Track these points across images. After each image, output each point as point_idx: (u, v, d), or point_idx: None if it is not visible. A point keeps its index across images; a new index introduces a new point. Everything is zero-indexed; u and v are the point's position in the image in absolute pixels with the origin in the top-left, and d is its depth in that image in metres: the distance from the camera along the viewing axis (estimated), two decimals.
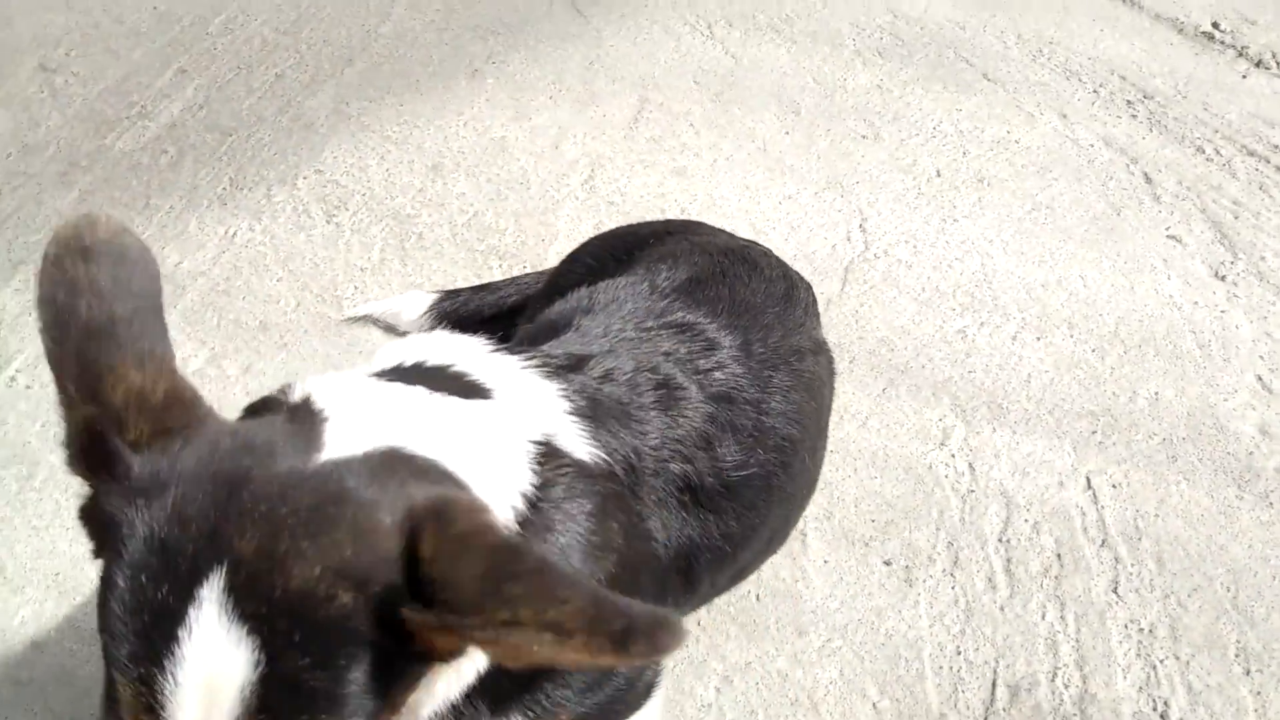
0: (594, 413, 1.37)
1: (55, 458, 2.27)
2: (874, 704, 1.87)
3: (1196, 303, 2.55)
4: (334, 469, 0.99)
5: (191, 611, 0.89)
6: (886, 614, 1.99)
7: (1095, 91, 3.26)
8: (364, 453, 1.02)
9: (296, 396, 1.15)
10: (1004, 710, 1.85)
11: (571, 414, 1.34)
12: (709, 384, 1.53)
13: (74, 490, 2.17)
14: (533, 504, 1.19)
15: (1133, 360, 2.42)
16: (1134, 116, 3.15)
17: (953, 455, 2.24)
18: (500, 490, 1.16)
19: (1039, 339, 2.47)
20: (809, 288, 1.94)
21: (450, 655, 0.97)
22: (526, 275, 2.47)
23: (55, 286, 1.01)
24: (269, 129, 3.13)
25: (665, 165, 3.02)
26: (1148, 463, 2.21)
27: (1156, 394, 2.34)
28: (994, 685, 1.88)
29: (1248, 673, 1.89)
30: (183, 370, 1.08)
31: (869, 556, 2.08)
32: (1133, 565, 2.04)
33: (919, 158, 3.02)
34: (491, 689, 1.23)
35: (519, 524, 1.17)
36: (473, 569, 0.87)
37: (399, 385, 1.23)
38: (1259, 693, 1.86)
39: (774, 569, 2.04)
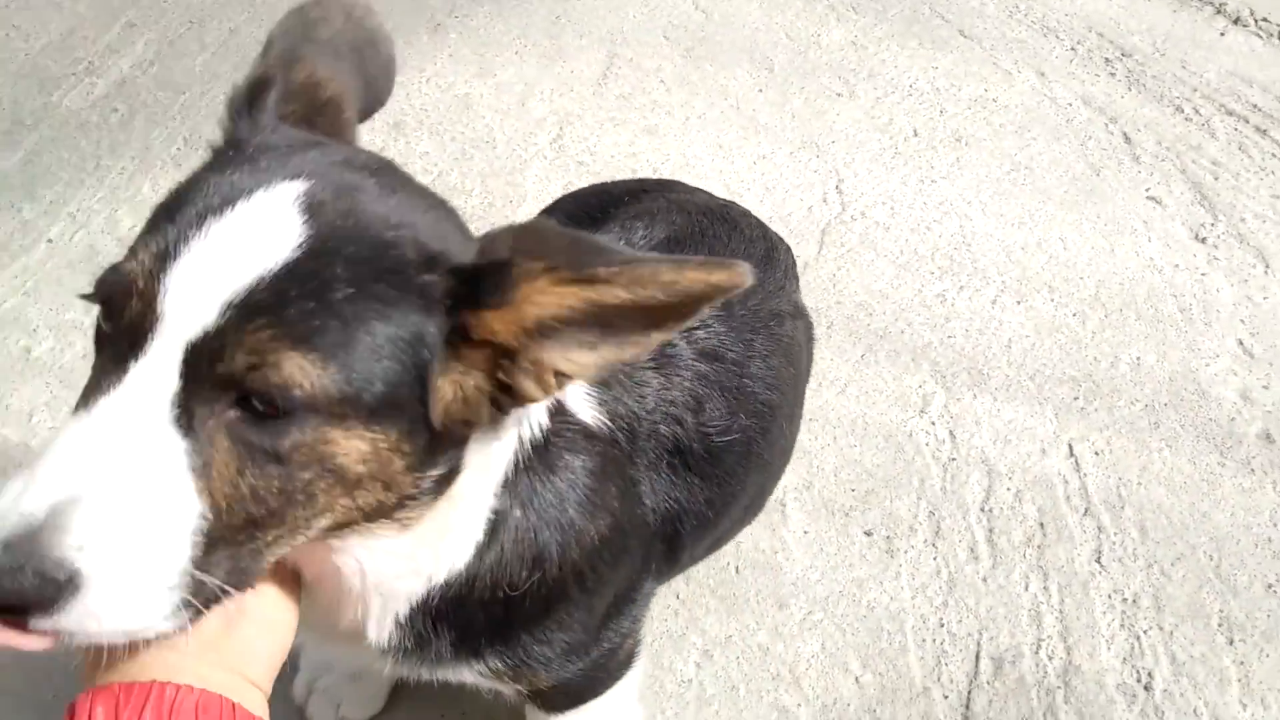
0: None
1: (8, 430, 2.18)
2: (856, 677, 1.83)
3: (1177, 265, 2.52)
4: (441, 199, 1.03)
5: (260, 191, 0.89)
6: (868, 585, 1.95)
7: (1073, 49, 3.21)
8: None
9: None
10: (988, 683, 1.82)
11: None
12: (695, 341, 1.47)
13: (26, 465, 2.08)
14: (542, 443, 1.16)
15: (1114, 324, 2.38)
16: (1112, 74, 3.10)
17: (933, 423, 2.19)
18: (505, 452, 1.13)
19: (1019, 303, 2.43)
20: (788, 250, 1.89)
21: (497, 373, 0.94)
22: None
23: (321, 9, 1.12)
24: (224, 86, 3.01)
25: (636, 123, 2.93)
26: (1130, 429, 2.18)
27: (1138, 359, 2.31)
28: (977, 657, 1.85)
29: (1230, 642, 1.87)
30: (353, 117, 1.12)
31: (849, 527, 2.03)
32: (1116, 534, 2.01)
33: (895, 116, 2.95)
34: (461, 621, 1.19)
35: (528, 453, 1.14)
36: (573, 245, 0.93)
37: None
38: (1242, 662, 1.84)
39: (753, 540, 1.99)
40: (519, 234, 0.94)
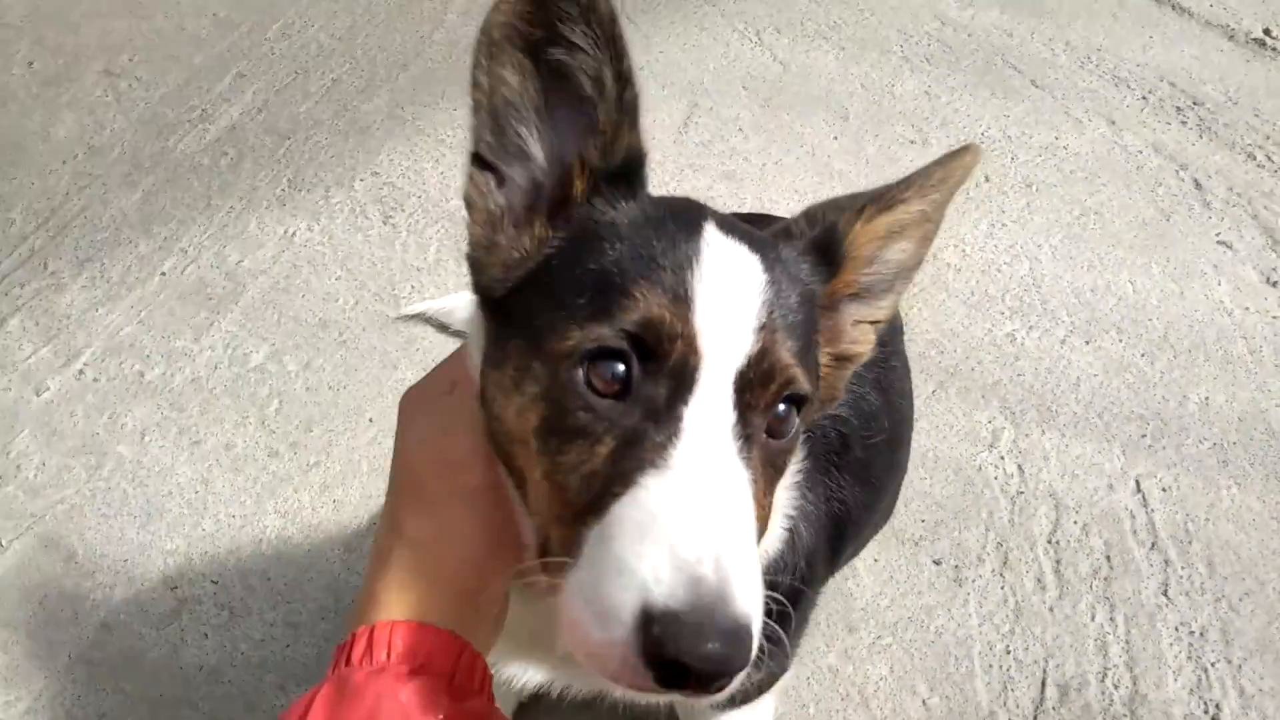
0: None
1: (123, 448, 2.34)
2: (924, 701, 1.88)
3: (1247, 308, 2.54)
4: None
5: (703, 235, 1.01)
6: (936, 612, 2.00)
7: (1144, 98, 3.26)
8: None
9: None
10: (1054, 709, 1.86)
11: None
12: None
13: (140, 480, 2.23)
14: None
15: (1182, 365, 2.42)
16: (1184, 123, 3.14)
17: (1002, 457, 2.25)
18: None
19: (1088, 343, 2.48)
20: None
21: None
22: None
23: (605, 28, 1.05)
24: (326, 132, 3.20)
25: (715, 169, 3.05)
26: (1198, 467, 2.21)
27: (1207, 398, 2.34)
28: (1043, 684, 1.90)
29: None
30: None
31: (919, 556, 2.09)
32: (1183, 568, 2.04)
33: None
34: None
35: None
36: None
37: None
38: None
39: None
40: (822, 207, 1.18)
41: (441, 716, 0.94)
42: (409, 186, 3.00)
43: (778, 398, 0.96)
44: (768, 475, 0.98)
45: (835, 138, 3.15)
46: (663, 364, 0.92)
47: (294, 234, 2.88)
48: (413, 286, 2.69)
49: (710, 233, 1.00)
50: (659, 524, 0.84)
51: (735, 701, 1.53)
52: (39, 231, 2.88)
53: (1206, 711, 1.85)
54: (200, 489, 2.26)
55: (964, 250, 2.74)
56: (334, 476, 2.26)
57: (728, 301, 0.95)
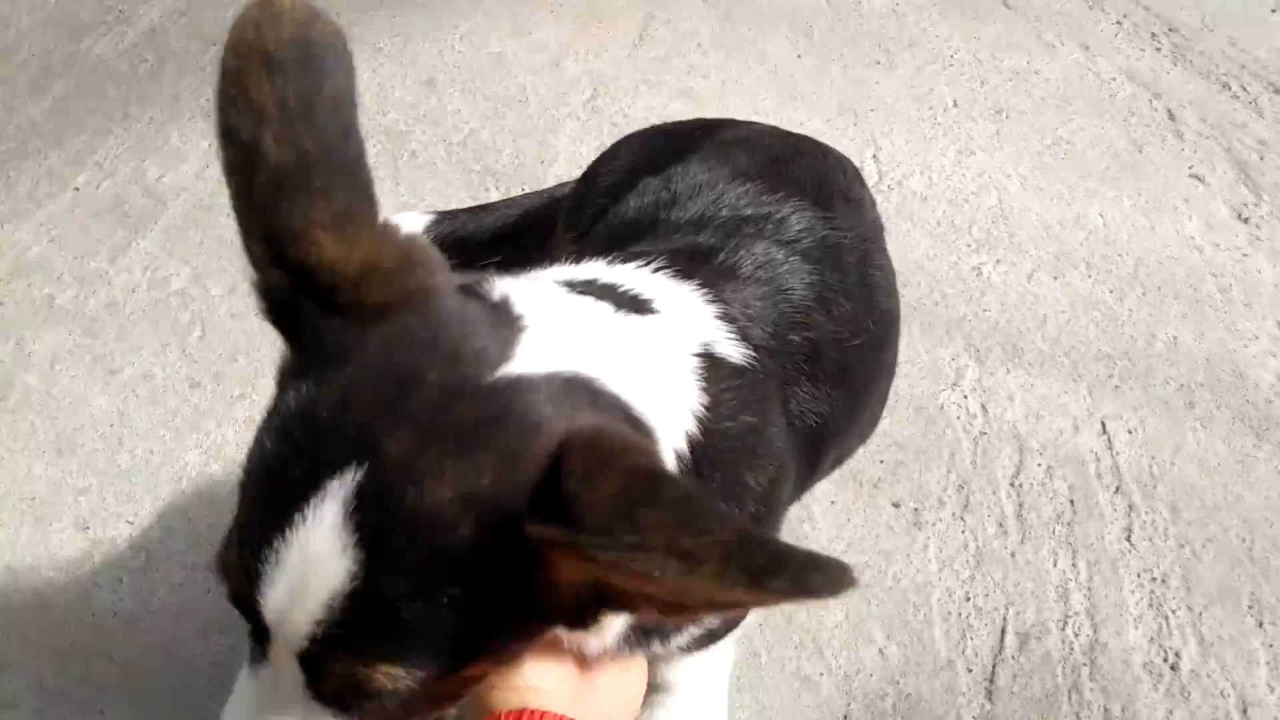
0: (733, 309, 1.30)
1: (31, 378, 2.18)
2: (880, 649, 1.81)
3: (1218, 245, 2.46)
4: (509, 387, 0.89)
5: (313, 501, 0.83)
6: (894, 557, 1.93)
7: (1119, 22, 3.14)
8: (548, 373, 0.92)
9: (496, 294, 1.03)
10: (1013, 658, 1.80)
11: (719, 317, 1.27)
12: (811, 249, 1.46)
13: (49, 412, 2.07)
14: (704, 425, 1.13)
15: (1151, 303, 2.34)
16: (1158, 50, 3.03)
17: (965, 396, 2.16)
18: (676, 415, 1.10)
19: (1056, 278, 2.38)
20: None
21: (574, 604, 0.88)
22: (526, 195, 2.36)
23: (238, 115, 0.86)
24: None
25: (672, 86, 2.89)
26: (1164, 408, 2.14)
27: (1175, 338, 2.27)
28: (1003, 633, 1.83)
29: (1260, 625, 1.84)
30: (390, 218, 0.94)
31: (877, 498, 2.01)
32: (1147, 513, 1.98)
33: (935, 86, 2.90)
34: None
35: (692, 447, 1.11)
36: (609, 488, 0.78)
37: (589, 300, 1.14)
38: (1271, 645, 1.81)
39: None
40: (583, 473, 0.81)
41: None
42: None
43: (342, 699, 0.90)
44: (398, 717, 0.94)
45: (799, 56, 3.00)
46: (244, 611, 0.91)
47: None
48: None
49: (326, 499, 0.83)
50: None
51: (701, 644, 1.45)
52: None
53: (1166, 660, 1.80)
54: (116, 422, 2.11)
55: (930, 178, 2.62)
56: (260, 410, 2.11)
57: (293, 591, 0.85)
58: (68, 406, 2.13)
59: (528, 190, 2.46)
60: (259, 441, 0.91)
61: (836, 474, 2.01)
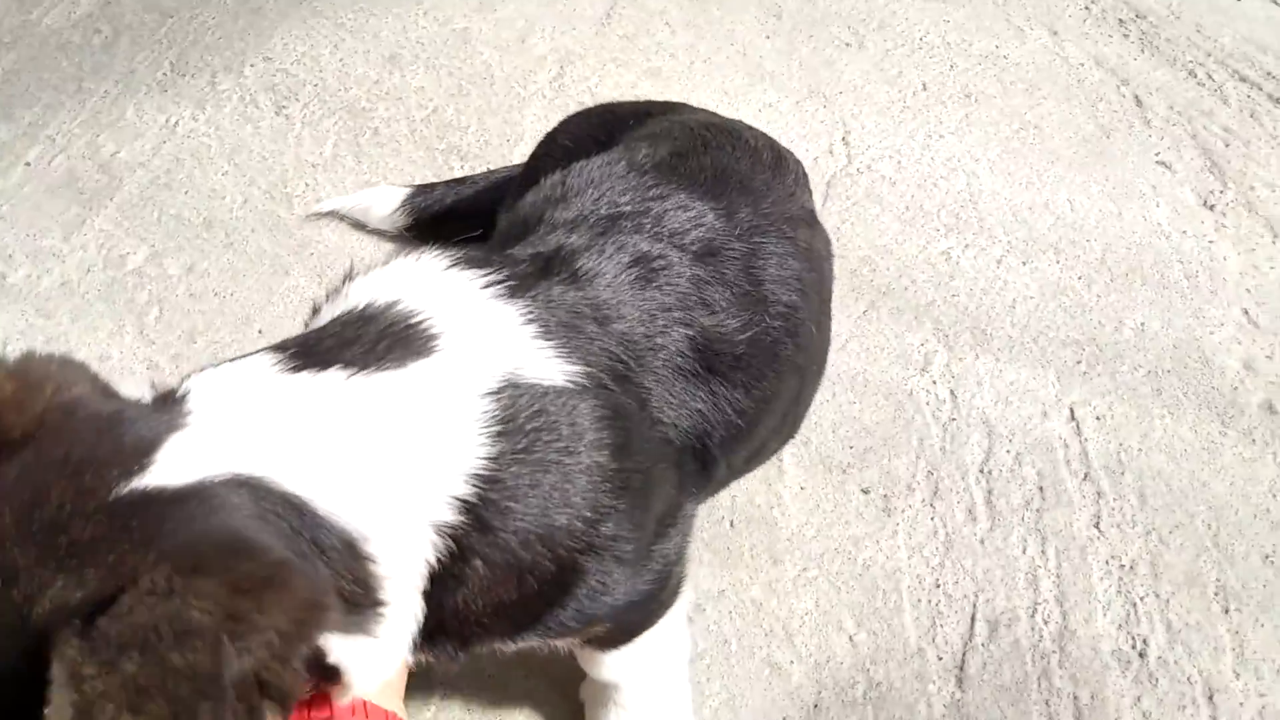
0: (565, 324, 1.25)
1: None
2: (850, 636, 1.81)
3: (1185, 232, 2.47)
4: (129, 501, 0.90)
5: None
6: (864, 544, 1.92)
7: (1087, 8, 3.14)
8: (195, 481, 0.92)
9: (181, 389, 1.04)
10: (983, 645, 1.80)
11: (539, 336, 1.22)
12: (690, 244, 1.42)
13: None
14: (492, 471, 1.10)
15: (1119, 289, 2.34)
16: (1126, 36, 3.03)
17: (934, 382, 2.16)
18: (431, 476, 1.07)
19: (1025, 264, 2.38)
20: (799, 162, 1.84)
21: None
22: (504, 168, 2.33)
23: None
24: (213, 11, 2.91)
25: (639, 65, 2.85)
26: (1132, 395, 2.14)
27: (1142, 324, 2.27)
28: (973, 620, 1.83)
29: (1226, 611, 1.85)
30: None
31: (846, 484, 2.00)
32: (1115, 500, 1.99)
33: (905, 69, 2.88)
34: (476, 633, 1.16)
35: (479, 499, 1.08)
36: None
37: (306, 375, 1.09)
38: (1237, 631, 1.83)
39: (748, 495, 1.96)
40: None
41: None
42: (304, 73, 2.75)
43: None
44: None
45: (767, 37, 2.97)
46: None
47: (176, 123, 2.61)
48: (307, 184, 2.46)
49: None
50: None
51: (611, 644, 1.45)
52: None
53: (1134, 646, 1.80)
54: None
55: (899, 162, 2.60)
56: None
57: None
58: None
59: (493, 169, 2.42)
60: None
61: (806, 459, 2.01)
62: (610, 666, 1.54)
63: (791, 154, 1.83)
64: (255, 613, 0.83)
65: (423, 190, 2.28)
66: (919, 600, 1.85)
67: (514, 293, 1.26)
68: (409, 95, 2.73)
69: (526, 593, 1.15)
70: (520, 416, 1.13)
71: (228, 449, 0.96)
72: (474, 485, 1.08)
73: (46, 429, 0.93)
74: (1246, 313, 2.30)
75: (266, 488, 0.95)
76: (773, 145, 1.79)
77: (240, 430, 0.99)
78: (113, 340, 2.16)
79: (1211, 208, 2.53)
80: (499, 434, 1.11)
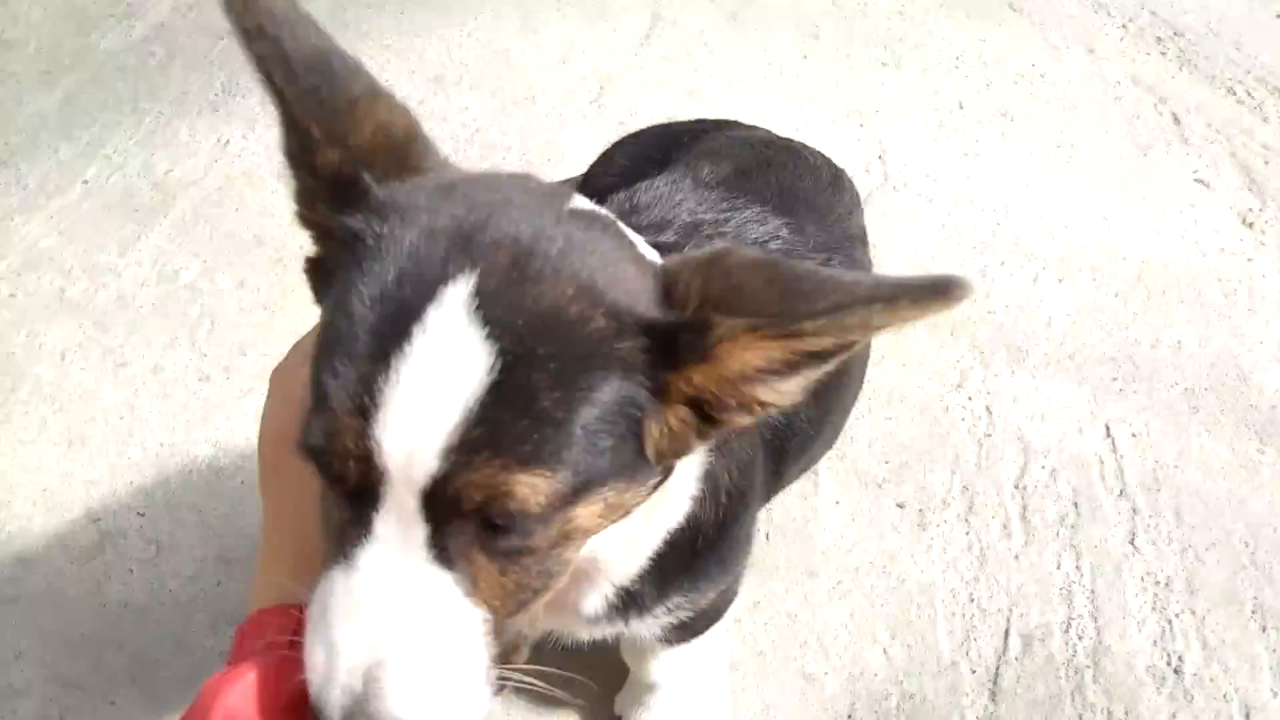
0: None
1: (42, 370, 2.19)
2: (884, 649, 1.83)
3: (1223, 249, 2.48)
4: (587, 215, 0.95)
5: (431, 310, 0.81)
6: (899, 558, 1.94)
7: (1124, 26, 3.15)
8: (605, 212, 1.00)
9: None
10: (1016, 660, 1.81)
11: None
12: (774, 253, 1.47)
13: (60, 404, 2.08)
14: None
15: (1156, 306, 2.35)
16: (1164, 54, 3.04)
17: (970, 398, 2.17)
18: None
19: (1061, 281, 2.40)
20: (852, 181, 1.88)
21: (678, 428, 0.90)
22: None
23: (257, 17, 0.91)
24: None
25: (678, 85, 2.90)
26: (1169, 412, 2.15)
27: (1179, 342, 2.28)
28: (1007, 634, 1.85)
29: (1264, 630, 1.85)
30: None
31: (882, 499, 2.02)
32: (1151, 517, 1.99)
33: (941, 88, 2.91)
34: (661, 570, 1.22)
35: None
36: (755, 283, 0.84)
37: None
38: (1274, 650, 1.83)
39: (785, 508, 1.99)
40: (707, 277, 0.85)
41: None
42: None
43: (481, 513, 0.84)
44: (505, 561, 0.89)
45: (805, 57, 3.00)
46: (344, 481, 0.86)
47: (228, 142, 2.69)
48: None
49: (444, 303, 0.82)
50: (327, 620, 0.87)
51: (680, 636, 1.47)
52: None
53: (1169, 663, 1.81)
54: (126, 415, 2.12)
55: (936, 180, 2.63)
56: None
57: (417, 415, 0.81)
58: (78, 399, 2.14)
59: None
60: (339, 308, 0.87)
61: (841, 474, 2.03)
62: (660, 667, 1.58)
63: (845, 172, 1.87)
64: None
65: None
66: (953, 614, 1.87)
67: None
68: (453, 115, 2.80)
69: (694, 534, 1.20)
70: None
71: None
72: None
73: (450, 171, 0.97)
74: None
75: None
76: (829, 164, 1.83)
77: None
78: (166, 352, 2.23)
79: (1250, 225, 2.54)
80: None
